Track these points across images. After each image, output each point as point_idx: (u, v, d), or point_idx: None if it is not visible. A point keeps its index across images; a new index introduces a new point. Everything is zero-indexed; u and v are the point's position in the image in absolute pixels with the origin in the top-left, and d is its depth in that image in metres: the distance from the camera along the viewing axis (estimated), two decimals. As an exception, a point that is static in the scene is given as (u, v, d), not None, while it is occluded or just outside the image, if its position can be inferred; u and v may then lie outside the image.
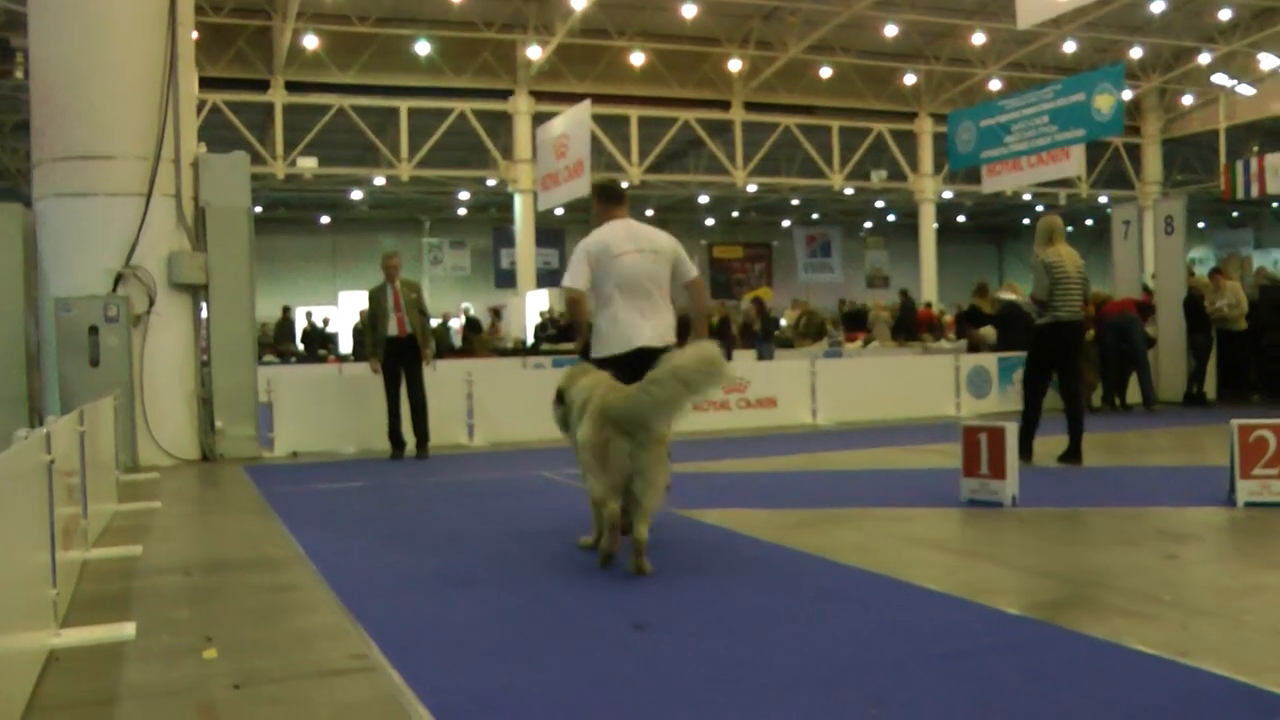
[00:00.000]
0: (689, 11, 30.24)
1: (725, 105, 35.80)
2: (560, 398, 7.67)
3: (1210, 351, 18.47)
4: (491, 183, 36.43)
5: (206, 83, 24.01)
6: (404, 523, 9.34)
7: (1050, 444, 11.74)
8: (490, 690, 4.71)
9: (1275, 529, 8.11)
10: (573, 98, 30.15)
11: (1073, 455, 11.39)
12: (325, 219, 45.97)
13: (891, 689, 4.60)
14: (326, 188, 38.78)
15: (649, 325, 8.13)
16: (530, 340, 31.02)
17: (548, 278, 42.09)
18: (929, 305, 32.54)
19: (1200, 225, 50.21)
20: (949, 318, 29.95)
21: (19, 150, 32.21)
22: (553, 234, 45.11)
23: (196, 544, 8.70)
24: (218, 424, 13.79)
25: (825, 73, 34.72)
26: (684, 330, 8.32)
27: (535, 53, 31.99)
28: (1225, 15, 33.34)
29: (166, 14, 13.58)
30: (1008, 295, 13.29)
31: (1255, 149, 36.71)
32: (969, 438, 9.20)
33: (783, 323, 34.47)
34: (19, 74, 26.25)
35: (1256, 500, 8.71)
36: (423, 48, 31.26)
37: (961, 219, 50.08)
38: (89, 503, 7.93)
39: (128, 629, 5.75)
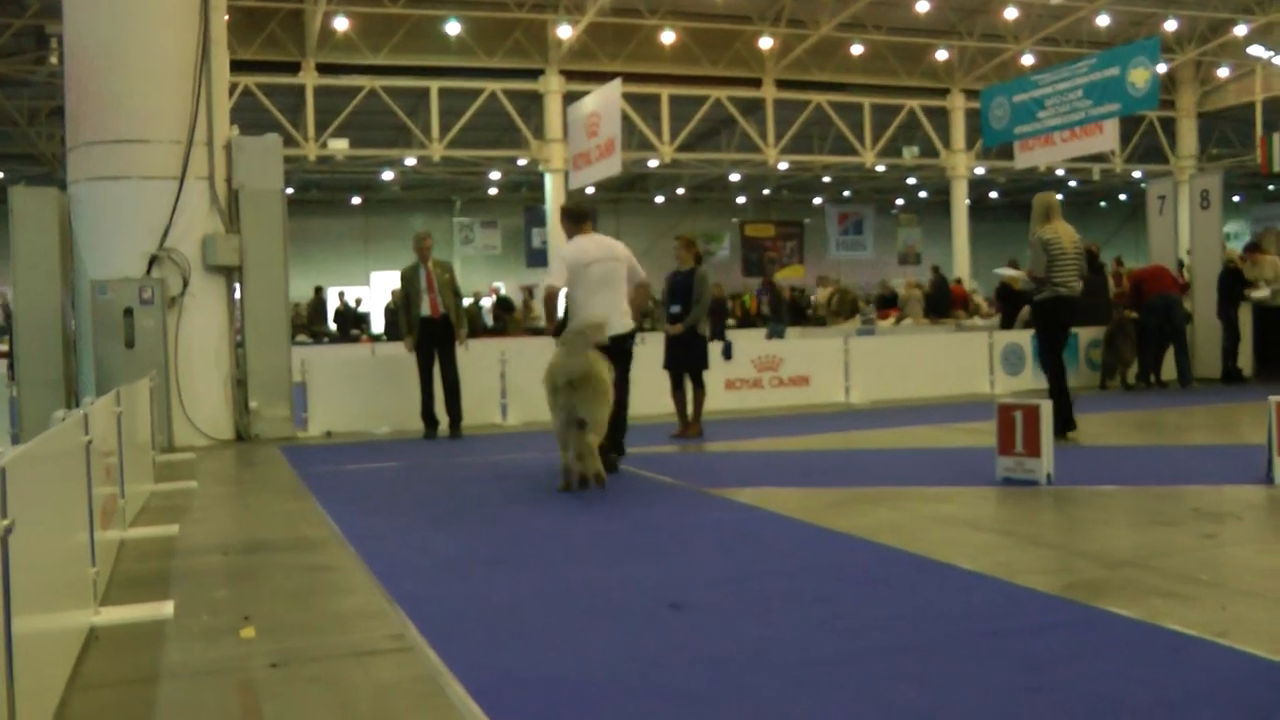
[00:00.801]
0: (720, -11, 30.09)
1: (756, 83, 35.59)
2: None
3: (1244, 328, 18.31)
4: (523, 162, 36.34)
5: (238, 66, 24.02)
6: (439, 503, 9.37)
7: (1079, 423, 11.69)
8: (527, 670, 4.72)
9: (1314, 507, 8.05)
10: (604, 77, 30.01)
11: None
12: (357, 200, 46.00)
13: (928, 670, 4.59)
14: (358, 169, 38.78)
15: (616, 316, 10.42)
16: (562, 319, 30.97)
17: (580, 257, 42.04)
18: (959, 282, 32.31)
19: (1236, 199, 49.72)
20: (979, 297, 29.86)
21: (54, 135, 32.32)
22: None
23: (233, 524, 8.76)
24: (252, 405, 13.86)
25: (857, 50, 34.45)
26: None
27: (566, 32, 31.87)
28: (1262, -13, 33.02)
29: (199, -2, 13.63)
30: (1007, 273, 13.24)
31: (1293, 122, 36.35)
32: (1003, 416, 9.15)
33: (814, 300, 34.42)
34: (54, 59, 26.36)
35: (1295, 478, 8.64)
36: (453, 28, 31.19)
37: (994, 195, 49.70)
38: (126, 483, 7.99)
39: (166, 608, 5.79)
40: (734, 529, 7.83)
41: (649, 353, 14.53)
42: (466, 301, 26.16)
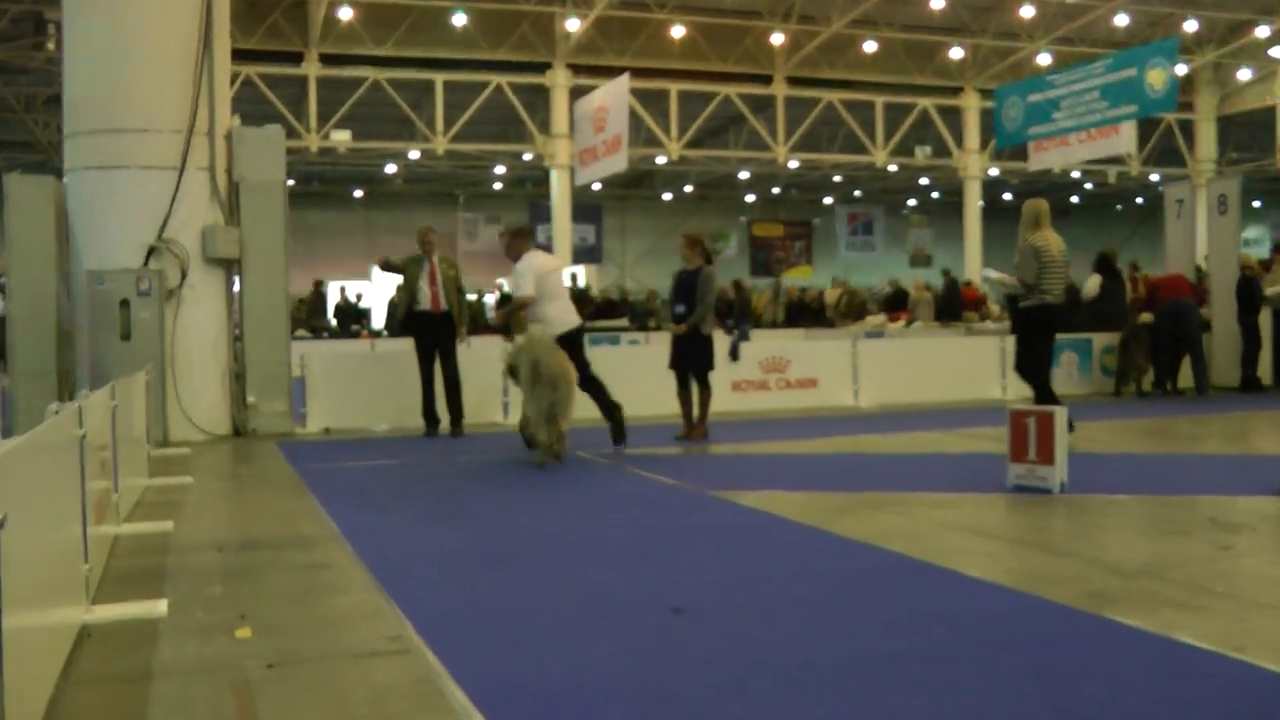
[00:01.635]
0: (731, -16, 30.09)
1: (767, 80, 35.59)
2: (514, 372, 11.35)
3: (1261, 335, 18.25)
4: (528, 157, 36.35)
5: (240, 55, 23.98)
6: (439, 502, 9.37)
7: (1091, 430, 11.68)
8: (527, 674, 4.71)
9: (1331, 519, 8.03)
10: (611, 71, 30.05)
11: None
12: (359, 193, 46.03)
13: (933, 679, 4.57)
14: (361, 161, 38.80)
15: (570, 315, 12.52)
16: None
17: (584, 253, 42.14)
18: (970, 284, 32.29)
19: (1256, 205, 49.65)
20: (993, 303, 29.82)
21: (51, 123, 32.36)
22: (590, 209, 45.05)
23: (229, 520, 8.76)
24: (250, 399, 13.86)
25: (869, 47, 34.42)
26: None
27: (574, 25, 31.87)
28: (1283, -12, 32.97)
29: (201, -14, 13.62)
30: (994, 275, 13.26)
31: (1315, 126, 36.28)
32: (1016, 422, 9.13)
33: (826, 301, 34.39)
34: (51, 46, 26.40)
35: (1312, 489, 8.62)
36: (459, 20, 31.22)
37: (1008, 197, 49.54)
38: (120, 478, 7.98)
39: (160, 606, 5.78)
40: (739, 532, 7.82)
41: (654, 353, 14.54)
42: (470, 298, 26.20)
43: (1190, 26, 34.26)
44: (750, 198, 50.64)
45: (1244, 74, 38.46)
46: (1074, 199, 52.09)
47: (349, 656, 5.05)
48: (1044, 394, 11.51)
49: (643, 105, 32.77)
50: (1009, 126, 22.81)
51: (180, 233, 13.47)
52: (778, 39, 33.75)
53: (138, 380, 10.41)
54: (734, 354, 15.76)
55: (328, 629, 5.52)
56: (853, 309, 30.79)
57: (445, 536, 7.74)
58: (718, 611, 5.62)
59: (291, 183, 18.52)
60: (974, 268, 36.81)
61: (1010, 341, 17.63)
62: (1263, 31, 34.70)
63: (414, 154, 35.74)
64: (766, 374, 16.36)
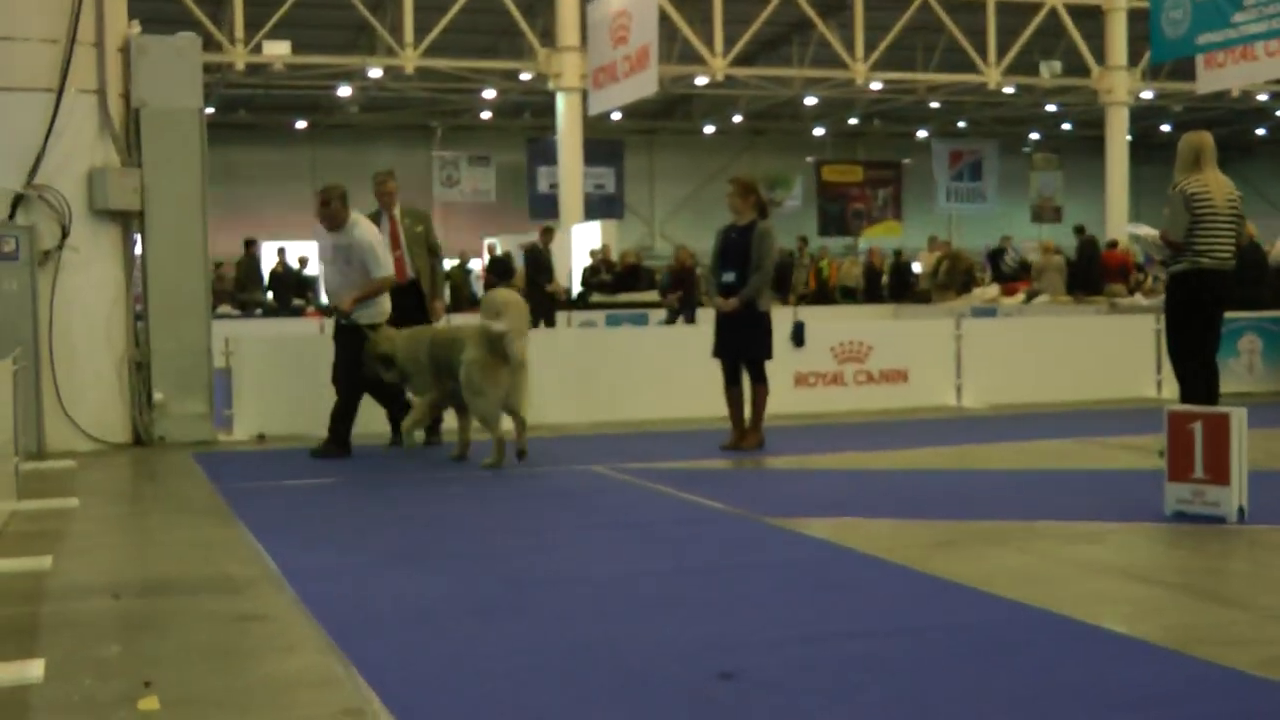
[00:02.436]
0: None
1: (843, -28, 35.66)
2: (389, 361, 12.39)
3: None
4: (526, 77, 36.41)
5: (144, -61, 24.12)
6: (408, 532, 9.38)
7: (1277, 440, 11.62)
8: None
9: None
10: (636, -39, 30.08)
11: None
12: (302, 125, 46.24)
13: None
14: (303, 82, 38.88)
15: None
16: (577, 289, 31.05)
17: (601, 205, 42.12)
18: (1115, 245, 32.13)
19: None
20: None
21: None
22: (608, 147, 45.10)
23: (128, 557, 8.77)
24: (157, 397, 13.86)
25: (979, -72, 34.45)
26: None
27: (586, -99, 31.95)
28: None
29: None
30: (1142, 230, 13.16)
31: None
32: (1177, 428, 9.07)
33: (916, 269, 34.35)
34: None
35: None
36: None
37: (1166, 129, 49.49)
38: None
39: (33, 669, 5.76)
40: (805, 573, 7.81)
41: (694, 337, 14.52)
42: (448, 264, 26.24)
43: None
44: (819, 131, 50.67)
45: None
46: (1260, 132, 51.90)
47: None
48: (1193, 389, 11.41)
49: (678, 8, 32.75)
50: (1170, 33, 22.64)
51: (58, 177, 13.46)
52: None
53: (1, 371, 10.41)
54: (797, 338, 15.72)
55: (264, 700, 5.50)
56: (955, 279, 30.71)
57: (416, 578, 7.72)
58: (778, 679, 5.59)
59: (211, 111, 18.56)
60: (1119, 223, 36.67)
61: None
62: None
63: (375, 73, 35.83)
64: (841, 364, 16.34)
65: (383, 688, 5.47)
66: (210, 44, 27.14)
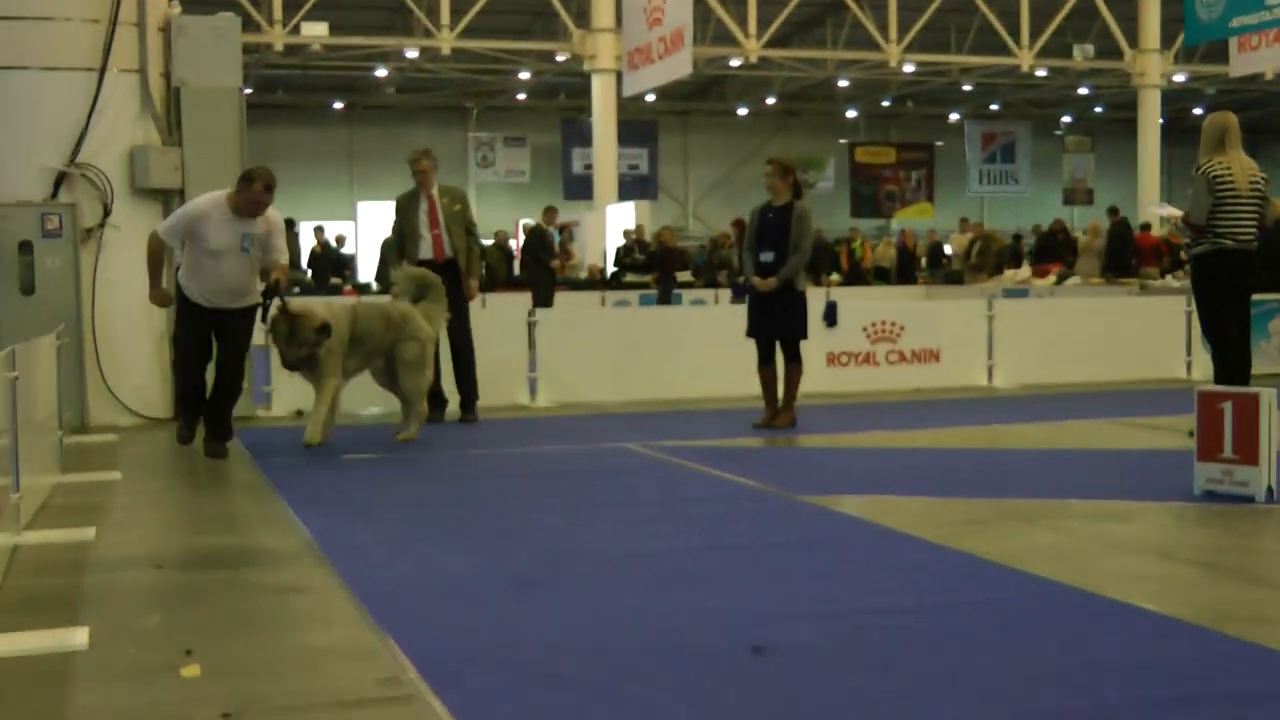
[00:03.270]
0: None
1: (876, -45, 35.53)
2: (326, 329, 11.57)
3: None
4: (561, 58, 36.39)
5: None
6: (444, 507, 9.41)
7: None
8: (556, 726, 4.72)
9: None
10: (671, -56, 30.02)
11: None
12: (339, 105, 46.27)
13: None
14: (341, 63, 38.95)
15: None
16: (611, 269, 31.04)
17: (635, 186, 42.09)
18: (1148, 228, 32.02)
19: None
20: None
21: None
22: (642, 128, 45.09)
23: (169, 529, 8.82)
24: (197, 373, 13.92)
25: (1013, -89, 34.28)
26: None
27: (621, -116, 31.89)
28: None
29: None
30: (1167, 213, 13.14)
31: None
32: (1207, 408, 9.05)
33: (948, 250, 34.27)
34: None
35: None
36: (471, -124, 31.31)
37: (1198, 112, 49.19)
38: (21, 473, 8.02)
39: (78, 637, 5.81)
40: (838, 550, 7.82)
41: (728, 317, 14.50)
42: (486, 243, 26.24)
43: None
44: (852, 113, 50.53)
45: None
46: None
47: (332, 706, 5.06)
48: (1226, 369, 11.42)
49: (712, -10, 32.68)
50: (1203, 17, 22.52)
51: (100, 155, 13.50)
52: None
53: (45, 346, 10.46)
54: (830, 318, 15.70)
55: (303, 669, 5.54)
56: (988, 260, 30.64)
57: (454, 553, 7.75)
58: (812, 654, 5.60)
59: (250, 91, 18.59)
60: (1151, 206, 36.54)
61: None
62: None
63: (411, 53, 35.85)
64: (873, 344, 16.31)
65: (419, 659, 5.50)
66: (249, 24, 27.15)
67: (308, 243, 32.77)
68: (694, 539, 8.20)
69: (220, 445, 11.52)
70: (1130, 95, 39.97)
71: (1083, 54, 38.69)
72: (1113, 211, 30.35)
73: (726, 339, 13.53)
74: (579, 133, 41.63)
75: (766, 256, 12.71)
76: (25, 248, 13.17)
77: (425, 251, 13.54)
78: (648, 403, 14.73)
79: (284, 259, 11.76)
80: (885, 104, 50.13)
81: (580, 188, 41.63)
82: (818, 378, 14.52)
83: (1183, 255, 20.34)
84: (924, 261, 34.02)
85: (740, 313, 13.59)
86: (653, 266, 28.71)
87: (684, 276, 28.72)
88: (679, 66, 27.33)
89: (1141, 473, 10.22)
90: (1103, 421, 13.31)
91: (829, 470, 10.93)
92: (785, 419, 12.89)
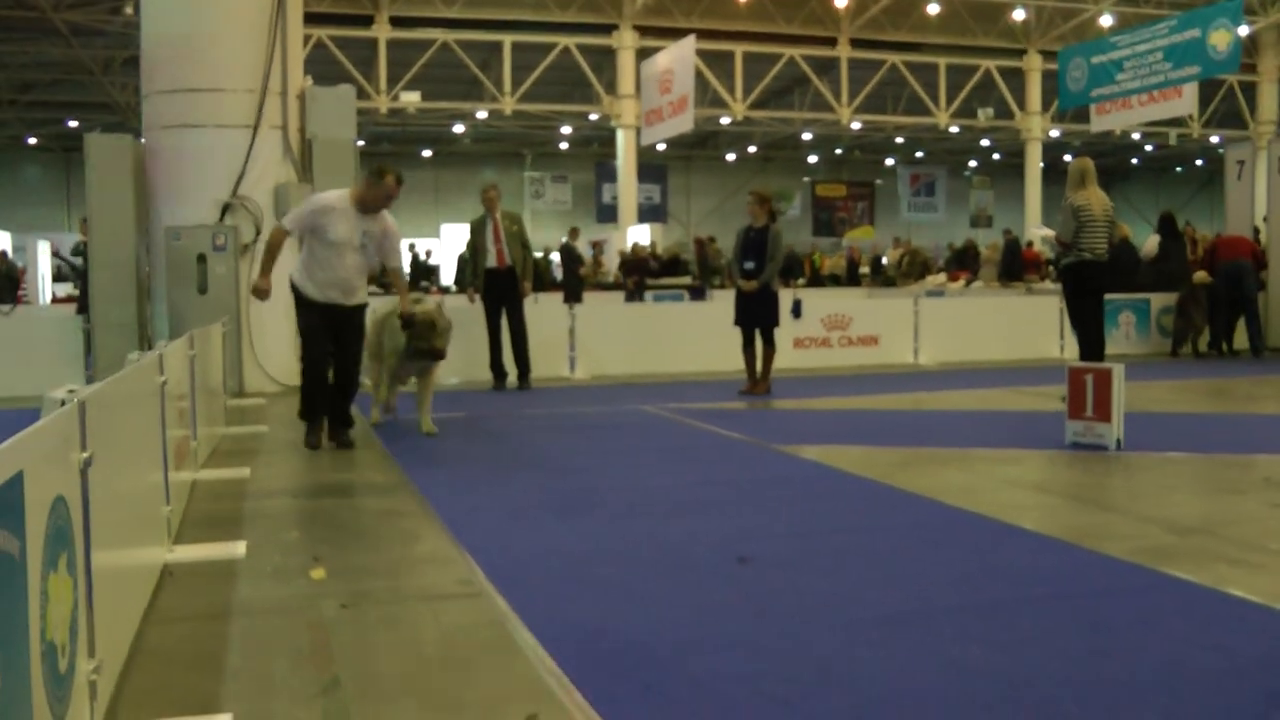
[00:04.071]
0: (796, -55, 29.82)
1: (831, 42, 35.27)
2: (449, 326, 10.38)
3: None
4: (594, 117, 36.32)
5: (312, 18, 24.01)
6: (507, 453, 9.43)
7: (1149, 390, 11.54)
8: (594, 619, 4.76)
9: (1392, 479, 7.93)
10: (678, 33, 29.93)
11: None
12: (428, 153, 46.18)
13: (994, 631, 4.57)
14: (429, 122, 38.92)
15: None
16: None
17: (649, 213, 42.14)
18: (1031, 246, 31.93)
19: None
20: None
21: (128, 85, 32.62)
22: (655, 169, 45.07)
23: (302, 468, 8.86)
24: (324, 353, 13.97)
25: (933, 9, 33.94)
26: None
27: (640, -13, 31.78)
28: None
29: (275, -52, 13.66)
30: (1040, 233, 13.22)
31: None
32: (1074, 379, 9.08)
33: (885, 261, 34.24)
34: (129, 10, 26.59)
35: (1372, 449, 8.53)
36: (528, -19, 31.21)
37: (1069, 159, 49.00)
38: (198, 425, 8.10)
39: (239, 547, 5.88)
40: (802, 485, 7.84)
41: (718, 309, 14.53)
42: (537, 255, 26.25)
43: (1256, -12, 33.57)
44: (813, 159, 50.36)
45: (1309, 35, 37.66)
46: (1135, 161, 51.44)
47: (421, 599, 5.11)
48: (1089, 351, 11.47)
49: (708, 67, 32.61)
50: (1072, 88, 22.49)
51: (254, 190, 13.58)
52: (843, 1, 33.41)
53: (214, 332, 10.54)
54: (796, 312, 15.71)
55: (400, 572, 5.60)
56: (915, 269, 30.58)
57: (512, 487, 7.78)
58: (782, 562, 5.63)
59: (362, 143, 18.58)
60: (1032, 228, 36.45)
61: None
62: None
63: (482, 114, 35.80)
64: (829, 331, 16.32)
65: (486, 565, 5.55)
66: (362, 94, 27.09)
67: (405, 255, 32.71)
68: (692, 476, 8.22)
69: (345, 434, 9.73)
70: (1020, 146, 39.72)
71: (985, 115, 38.48)
72: (1006, 233, 30.20)
73: (718, 327, 13.54)
74: (608, 172, 41.50)
75: (749, 265, 12.72)
76: (201, 259, 13.28)
77: (491, 261, 13.57)
78: (658, 375, 14.75)
79: (398, 261, 10.16)
80: (838, 152, 49.97)
81: (608, 214, 41.65)
82: (787, 357, 14.51)
83: (1053, 268, 20.36)
84: (867, 269, 33.97)
85: (718, 308, 13.69)
86: (663, 273, 28.66)
87: (686, 280, 28.69)
88: (683, 123, 27.29)
89: (1026, 428, 10.22)
90: (999, 389, 13.28)
91: (795, 426, 10.94)
92: (762, 388, 12.90)
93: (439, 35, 31.64)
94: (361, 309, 9.85)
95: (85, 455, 3.48)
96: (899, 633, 4.54)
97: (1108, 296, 12.76)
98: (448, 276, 32.80)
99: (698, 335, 15.36)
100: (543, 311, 14.84)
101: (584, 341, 15.02)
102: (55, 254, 29.10)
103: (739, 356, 13.08)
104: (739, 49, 33.79)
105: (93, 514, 3.55)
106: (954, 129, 39.22)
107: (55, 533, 3.05)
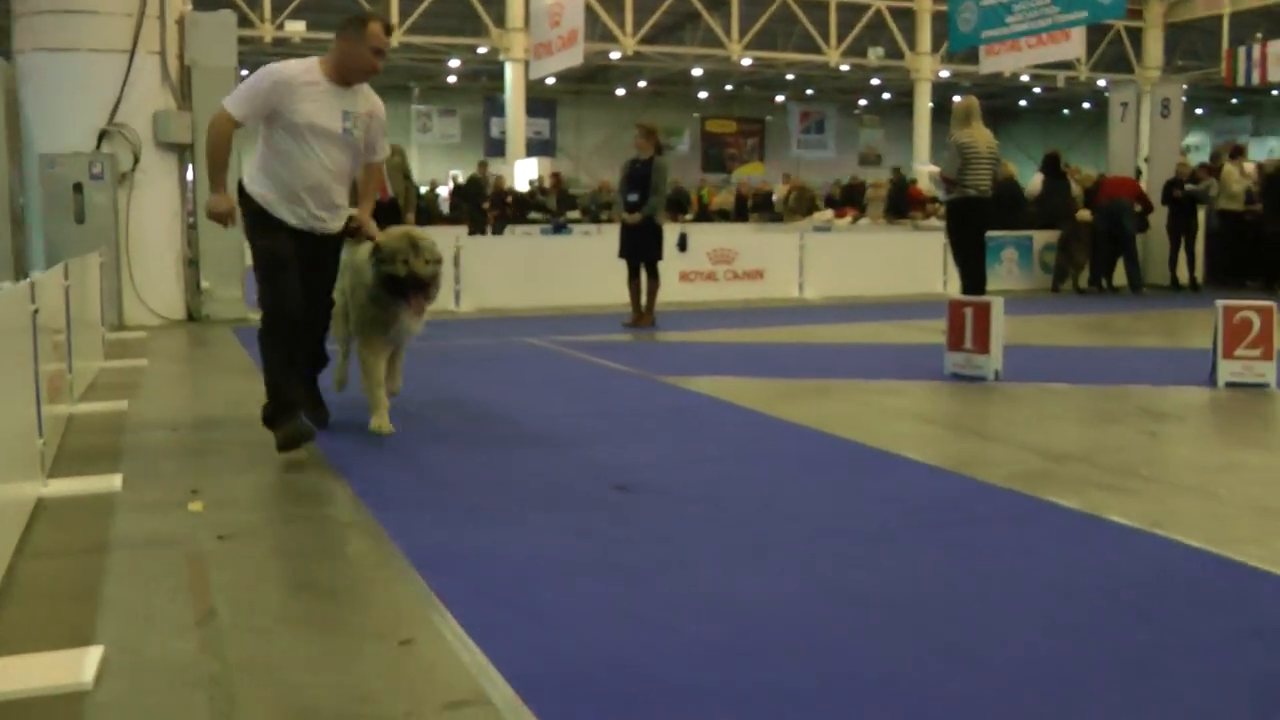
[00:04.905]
0: (687, -122, 29.60)
1: (722, -24, 35.24)
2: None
3: (1195, 237, 18.40)
4: (483, 50, 35.88)
5: (194, -60, 23.48)
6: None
7: (1030, 324, 11.75)
8: (472, 546, 4.77)
9: (1254, 409, 8.20)
10: (567, -35, 29.63)
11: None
12: (314, 84, 45.40)
13: (875, 556, 4.65)
14: (315, 52, 37.96)
15: None
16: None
17: (538, 147, 41.86)
18: (915, 182, 32.25)
19: (1199, 111, 49.76)
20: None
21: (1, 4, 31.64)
22: (544, 104, 44.66)
23: (183, 401, 8.73)
24: (204, 285, 13.74)
25: (825, -55, 34.14)
26: None
27: (530, -83, 31.36)
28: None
29: None
30: (925, 169, 13.42)
31: (1259, 35, 36.15)
32: (954, 312, 9.23)
33: (774, 197, 34.38)
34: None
35: (1237, 381, 8.78)
36: (415, -91, 30.66)
37: (958, 99, 49.54)
38: (75, 358, 7.92)
39: (115, 481, 5.78)
40: (687, 416, 7.87)
41: (604, 242, 14.51)
42: (423, 190, 26.00)
43: (1141, -69, 34.03)
44: (704, 95, 50.25)
45: (1192, -20, 38.28)
46: (1023, 103, 52.06)
47: (300, 529, 5.08)
48: (970, 285, 11.64)
49: (599, 1, 32.36)
50: (963, 29, 22.64)
51: (132, 117, 13.25)
52: (734, -65, 33.33)
53: (91, 262, 10.29)
54: (682, 245, 15.72)
55: (279, 503, 5.57)
56: (802, 204, 30.73)
57: (397, 418, 7.65)
58: (664, 490, 5.66)
59: (246, 73, 18.21)
60: (917, 164, 36.81)
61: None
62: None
63: (369, 45, 35.15)
64: (714, 265, 16.37)
65: (366, 495, 5.52)
66: (244, 21, 26.47)
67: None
68: (580, 408, 8.23)
69: (318, 396, 7.36)
70: (909, 86, 40.00)
71: (875, 54, 38.66)
72: (894, 171, 30.53)
73: (603, 261, 13.52)
74: (496, 106, 41.10)
75: (633, 197, 12.70)
76: (77, 188, 12.96)
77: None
78: (545, 308, 14.71)
79: (382, 156, 7.24)
80: (728, 88, 49.89)
81: (497, 148, 41.21)
82: (672, 290, 14.54)
83: (939, 204, 20.64)
84: (754, 205, 34.06)
85: (605, 242, 13.68)
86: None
87: (574, 215, 28.59)
88: (573, 57, 27.06)
89: (908, 360, 10.34)
90: (883, 323, 13.44)
91: (681, 358, 10.97)
92: (647, 320, 12.93)
93: (324, -36, 31.03)
94: (342, 237, 6.94)
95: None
96: (780, 559, 4.60)
97: (992, 233, 12.96)
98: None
99: (584, 269, 15.33)
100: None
101: (469, 274, 14.91)
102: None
103: (625, 290, 13.08)
104: (629, -18, 33.57)
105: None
106: (845, 68, 39.36)
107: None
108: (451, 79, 45.24)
